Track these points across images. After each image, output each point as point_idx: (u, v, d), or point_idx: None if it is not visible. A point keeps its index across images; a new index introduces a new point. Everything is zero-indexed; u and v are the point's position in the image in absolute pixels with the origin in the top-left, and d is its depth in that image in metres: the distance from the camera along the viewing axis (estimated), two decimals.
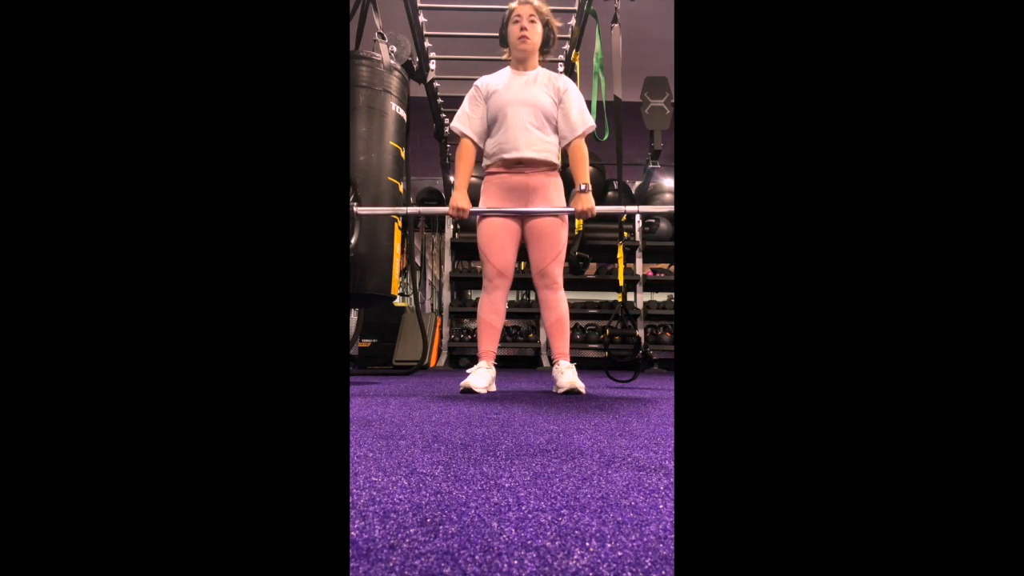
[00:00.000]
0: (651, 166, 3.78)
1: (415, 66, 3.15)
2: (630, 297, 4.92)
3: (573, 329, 4.77)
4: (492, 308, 2.18)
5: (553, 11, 2.26)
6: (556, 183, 2.22)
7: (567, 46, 3.36)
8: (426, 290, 5.47)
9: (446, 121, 4.07)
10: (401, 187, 2.70)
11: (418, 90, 3.53)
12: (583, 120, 2.21)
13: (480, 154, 2.27)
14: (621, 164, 2.62)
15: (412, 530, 0.52)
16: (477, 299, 2.26)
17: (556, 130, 2.22)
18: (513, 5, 2.24)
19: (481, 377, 2.10)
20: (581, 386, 2.07)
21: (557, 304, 2.17)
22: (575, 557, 0.45)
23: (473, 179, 2.36)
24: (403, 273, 4.24)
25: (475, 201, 2.19)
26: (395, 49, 2.77)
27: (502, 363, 4.78)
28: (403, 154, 2.71)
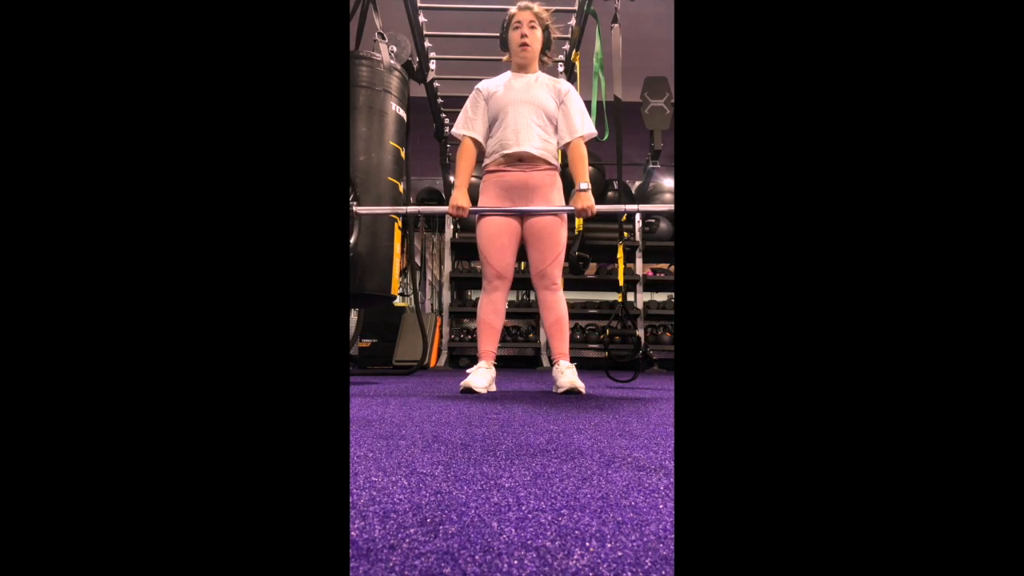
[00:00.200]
0: (651, 166, 3.78)
1: (415, 66, 3.15)
2: (630, 297, 4.92)
3: (573, 329, 4.77)
4: (492, 308, 2.18)
5: (553, 11, 2.26)
6: (556, 182, 2.22)
7: (567, 46, 3.36)
8: (426, 290, 5.47)
9: (446, 121, 4.07)
10: (401, 187, 2.70)
11: (418, 90, 3.53)
12: (583, 124, 2.21)
13: (481, 154, 2.27)
14: (621, 164, 2.62)
15: (412, 530, 0.52)
16: (477, 299, 2.26)
17: (556, 130, 2.22)
18: (513, 11, 2.24)
19: (481, 377, 2.10)
20: (581, 386, 2.07)
21: (556, 304, 2.17)
22: (575, 557, 0.45)
23: (473, 179, 2.36)
24: (403, 273, 4.24)
25: (475, 201, 2.19)
26: (395, 49, 2.77)
27: (502, 363, 4.78)
28: (403, 154, 2.71)
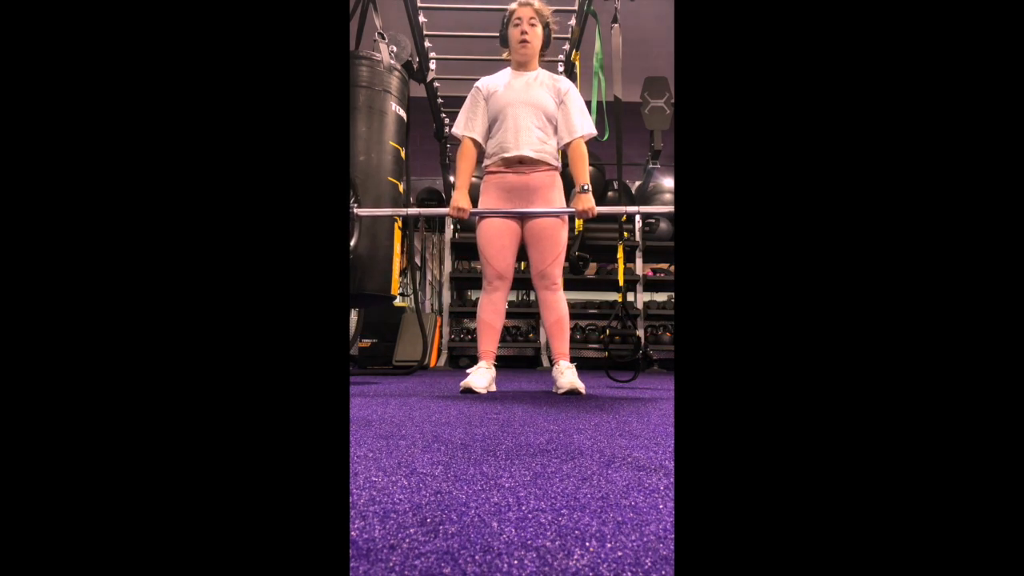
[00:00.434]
0: (651, 166, 3.77)
1: (415, 66, 3.15)
2: (630, 297, 4.92)
3: (573, 329, 4.77)
4: (492, 308, 2.18)
5: (553, 11, 2.25)
6: (556, 183, 2.22)
7: (567, 46, 3.36)
8: (426, 290, 5.47)
9: (446, 121, 4.07)
10: (401, 187, 2.70)
11: (418, 90, 3.53)
12: (583, 124, 2.20)
13: (481, 154, 2.27)
14: (621, 164, 2.62)
15: (412, 530, 0.52)
16: (477, 299, 2.26)
17: (556, 130, 2.21)
18: (513, 7, 2.21)
19: (481, 377, 2.10)
20: (581, 386, 2.07)
21: (557, 305, 2.17)
22: (575, 557, 0.45)
23: (473, 179, 2.35)
24: (403, 273, 4.24)
25: (475, 201, 2.19)
26: (395, 49, 2.77)
27: (502, 363, 4.78)
28: (403, 154, 2.71)
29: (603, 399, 1.89)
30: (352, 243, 2.30)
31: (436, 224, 5.43)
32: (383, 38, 2.62)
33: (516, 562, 0.44)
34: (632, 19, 3.33)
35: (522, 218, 2.21)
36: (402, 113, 2.68)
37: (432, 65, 3.44)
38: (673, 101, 3.51)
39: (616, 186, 4.50)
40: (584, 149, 2.20)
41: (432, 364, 4.52)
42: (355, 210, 2.28)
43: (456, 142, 2.30)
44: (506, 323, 5.05)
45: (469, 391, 2.04)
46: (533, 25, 2.19)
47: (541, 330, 4.80)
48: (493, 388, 2.18)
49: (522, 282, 4.98)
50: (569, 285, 2.34)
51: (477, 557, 0.45)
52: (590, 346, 4.81)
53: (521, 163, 2.17)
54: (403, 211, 2.39)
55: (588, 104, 2.42)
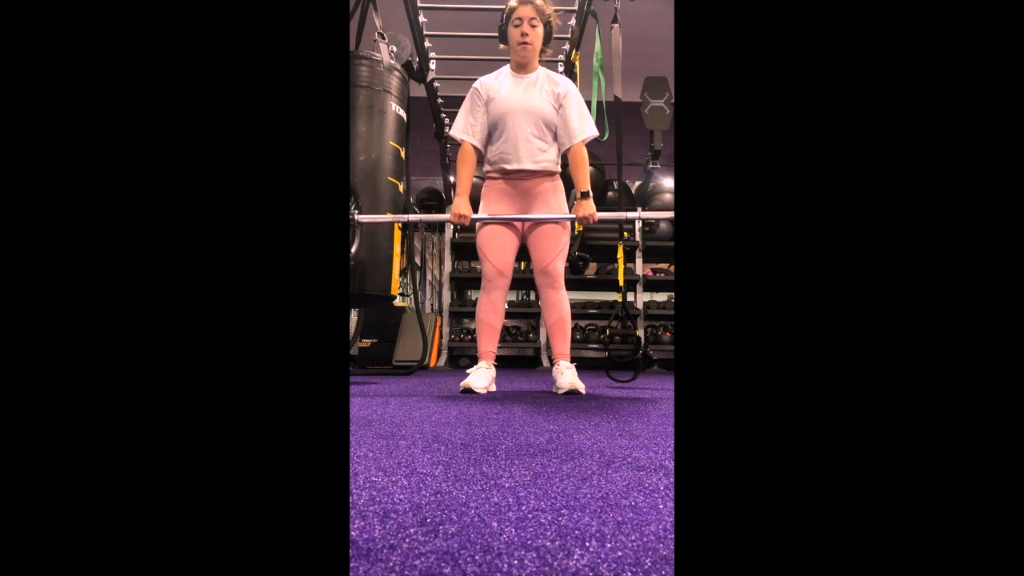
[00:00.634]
0: (651, 166, 3.78)
1: (415, 66, 3.14)
2: (630, 297, 4.92)
3: (573, 329, 4.77)
4: (491, 308, 2.18)
5: (552, 5, 2.23)
6: (557, 187, 2.22)
7: (567, 46, 3.36)
8: (426, 290, 5.47)
9: (446, 121, 4.07)
10: (401, 187, 2.70)
11: (418, 90, 3.53)
12: (583, 128, 2.16)
13: (481, 158, 2.25)
14: (621, 164, 2.62)
15: (412, 530, 0.52)
16: (477, 299, 2.25)
17: (556, 136, 2.19)
18: (513, 4, 2.15)
19: (481, 377, 2.10)
20: (581, 386, 2.07)
21: (559, 304, 2.17)
22: (575, 557, 0.45)
23: (474, 179, 2.34)
24: (403, 273, 4.24)
25: (475, 202, 2.19)
26: (395, 49, 2.77)
27: (502, 363, 4.78)
28: (403, 154, 2.71)
29: (603, 399, 1.89)
30: (353, 249, 2.28)
31: (436, 224, 5.44)
32: (383, 38, 2.62)
33: (516, 562, 0.44)
34: (632, 19, 3.33)
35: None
36: (402, 113, 2.68)
37: (432, 65, 3.44)
38: (673, 101, 3.51)
39: (616, 186, 4.50)
40: (584, 153, 2.17)
41: (432, 364, 4.52)
42: (355, 216, 2.24)
43: (455, 143, 2.28)
44: (506, 323, 5.05)
45: (469, 391, 2.04)
46: (534, 25, 2.14)
47: (541, 330, 4.80)
48: (493, 388, 2.18)
49: (522, 282, 4.98)
50: (569, 285, 2.34)
51: (477, 557, 0.45)
52: (590, 346, 4.81)
53: (521, 173, 2.18)
54: (404, 217, 2.37)
55: (588, 104, 2.42)
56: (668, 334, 4.80)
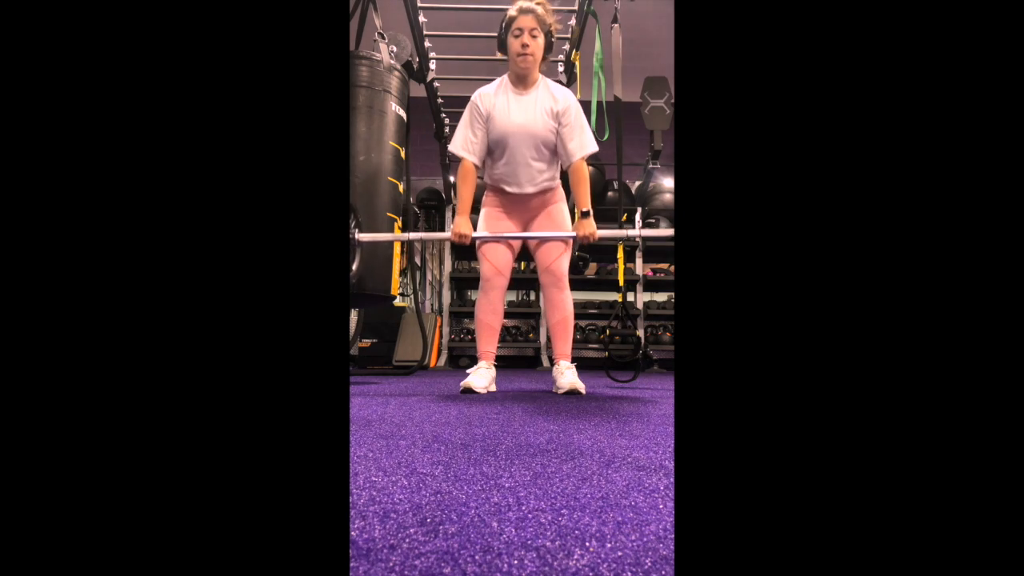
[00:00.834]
0: (651, 166, 3.77)
1: (415, 66, 3.14)
2: (630, 297, 4.92)
3: (573, 329, 4.77)
4: (490, 308, 2.18)
5: (554, 11, 2.21)
6: (557, 195, 2.24)
7: (567, 46, 3.36)
8: (426, 290, 5.47)
9: (446, 121, 4.07)
10: (401, 187, 2.70)
11: (418, 90, 3.53)
12: (582, 145, 2.11)
13: (481, 172, 2.22)
14: (621, 164, 2.62)
15: (412, 530, 0.52)
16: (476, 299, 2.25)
17: (557, 151, 2.15)
18: (513, 13, 2.07)
19: (481, 377, 2.10)
20: (581, 386, 2.07)
21: (563, 304, 2.17)
22: (575, 557, 0.45)
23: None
24: (403, 273, 4.24)
25: (476, 201, 2.19)
26: (395, 49, 2.77)
27: (502, 363, 4.78)
28: (403, 154, 2.71)
29: (603, 399, 1.89)
30: (353, 267, 2.23)
31: (436, 224, 5.44)
32: (383, 38, 2.62)
33: (516, 562, 0.44)
34: (632, 19, 3.33)
35: (524, 223, 2.23)
36: (402, 113, 2.68)
37: (432, 65, 3.44)
38: (673, 101, 3.51)
39: (616, 186, 4.50)
40: (585, 170, 2.12)
41: (432, 364, 4.52)
42: (356, 236, 2.19)
43: (456, 157, 2.26)
44: (506, 323, 5.05)
45: (469, 391, 2.04)
46: (535, 36, 2.05)
47: (541, 330, 4.80)
48: (493, 388, 2.18)
49: (522, 282, 4.98)
50: (569, 285, 2.34)
51: (477, 557, 0.45)
52: (590, 346, 4.81)
53: (521, 196, 2.19)
54: (405, 236, 2.31)
55: (588, 104, 2.42)
56: (668, 334, 4.80)
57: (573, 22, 3.14)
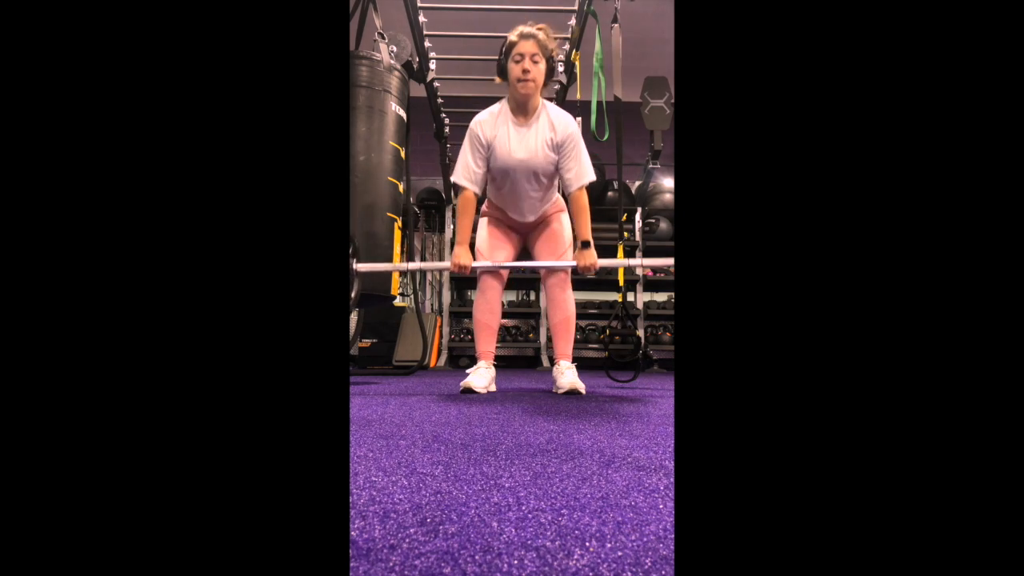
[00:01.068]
0: (651, 166, 3.77)
1: (415, 66, 3.14)
2: (630, 297, 4.92)
3: (575, 329, 4.78)
4: (488, 308, 2.18)
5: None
6: (558, 204, 2.26)
7: (567, 46, 3.36)
8: (426, 290, 5.47)
9: (446, 121, 4.07)
10: (401, 187, 2.70)
11: (418, 90, 3.53)
12: (579, 177, 2.08)
13: (482, 200, 2.23)
14: (621, 164, 2.62)
15: (412, 530, 0.52)
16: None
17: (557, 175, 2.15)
18: (514, 39, 2.01)
19: (481, 377, 2.10)
20: (581, 386, 2.07)
21: (566, 303, 2.17)
22: (575, 557, 0.45)
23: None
24: (403, 273, 4.24)
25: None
26: (395, 49, 2.77)
27: (502, 363, 4.78)
28: (403, 154, 2.71)
29: (603, 399, 1.89)
30: (352, 294, 2.20)
31: (436, 224, 5.44)
32: (383, 38, 2.62)
33: (516, 562, 0.44)
34: (632, 19, 3.33)
35: (524, 231, 2.25)
36: (402, 113, 2.68)
37: (432, 65, 3.44)
38: (673, 101, 3.51)
39: (616, 186, 4.50)
40: (584, 200, 2.09)
41: (432, 364, 4.52)
42: (355, 266, 2.15)
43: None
44: (506, 323, 5.05)
45: (469, 391, 2.04)
46: (536, 62, 1.99)
47: (541, 330, 4.80)
48: (493, 388, 2.18)
49: (522, 282, 4.98)
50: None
51: (477, 557, 0.45)
52: (590, 346, 4.81)
53: (523, 223, 2.23)
54: (403, 266, 2.28)
55: (588, 104, 2.42)
56: (668, 334, 4.80)
57: (573, 22, 3.14)
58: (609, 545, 0.48)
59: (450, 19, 3.62)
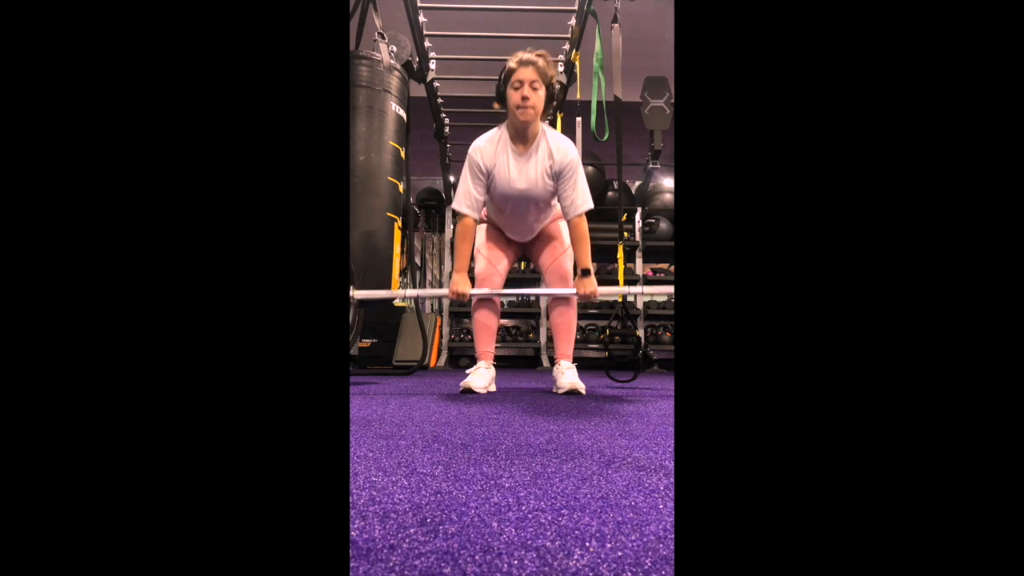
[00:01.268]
0: (651, 166, 3.77)
1: (415, 66, 3.14)
2: (630, 297, 4.92)
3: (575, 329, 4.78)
4: (486, 308, 2.18)
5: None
6: (556, 218, 2.26)
7: (567, 46, 3.36)
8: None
9: (446, 121, 4.07)
10: (401, 187, 2.70)
11: (418, 90, 3.53)
12: (577, 205, 2.06)
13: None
14: (621, 164, 2.62)
15: (412, 530, 0.52)
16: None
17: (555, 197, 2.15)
18: (512, 65, 1.97)
19: (481, 377, 2.10)
20: (581, 386, 2.07)
21: (567, 304, 2.17)
22: (575, 557, 0.45)
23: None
24: (403, 273, 4.24)
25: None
26: (395, 49, 2.77)
27: (502, 363, 4.78)
28: (403, 154, 2.71)
29: (603, 399, 1.89)
30: (351, 318, 2.18)
31: (436, 224, 5.44)
32: (383, 38, 2.62)
33: (516, 562, 0.44)
34: (632, 19, 3.33)
35: (523, 241, 2.27)
36: (402, 113, 2.68)
37: (432, 65, 3.44)
38: (673, 101, 3.51)
39: (616, 186, 4.50)
40: (584, 227, 2.06)
41: (432, 364, 4.52)
42: (354, 294, 2.14)
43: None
44: (506, 323, 5.05)
45: (469, 391, 2.04)
46: (536, 88, 1.95)
47: (541, 330, 4.80)
48: (493, 388, 2.18)
49: (522, 282, 4.98)
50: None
51: (477, 557, 0.45)
52: (590, 346, 4.81)
53: (523, 243, 2.27)
54: (401, 292, 2.27)
55: (588, 104, 2.42)
56: (668, 334, 4.80)
57: (573, 22, 3.14)
58: (609, 545, 0.48)
59: (450, 19, 3.62)
